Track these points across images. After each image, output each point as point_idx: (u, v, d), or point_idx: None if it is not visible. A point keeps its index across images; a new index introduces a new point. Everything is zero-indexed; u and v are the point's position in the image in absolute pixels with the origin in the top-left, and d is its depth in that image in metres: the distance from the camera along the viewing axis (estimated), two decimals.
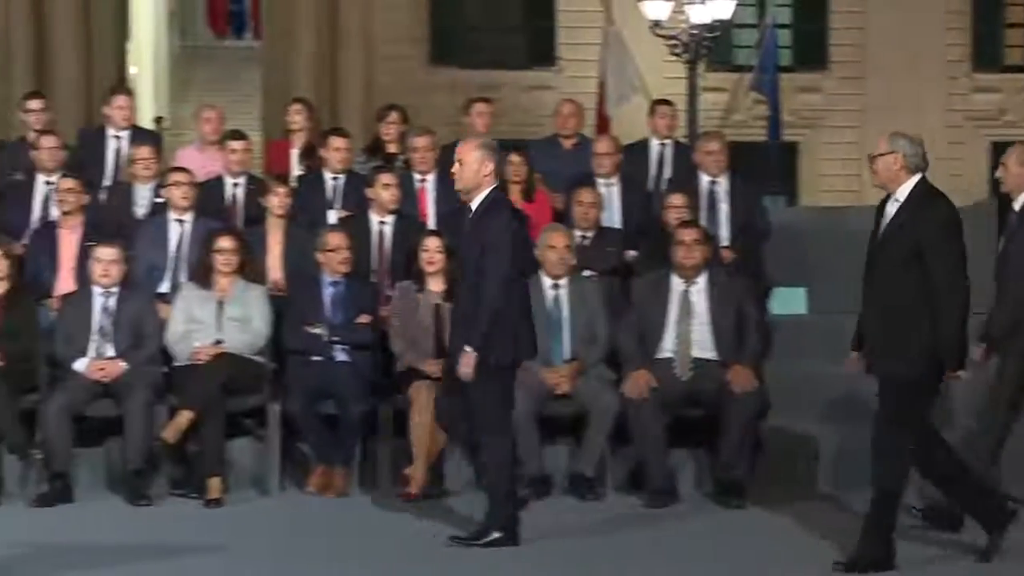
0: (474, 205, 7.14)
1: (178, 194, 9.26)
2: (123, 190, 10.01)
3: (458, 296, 7.35)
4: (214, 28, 31.91)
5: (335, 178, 10.04)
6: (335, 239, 8.82)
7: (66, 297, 8.81)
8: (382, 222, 9.37)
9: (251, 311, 8.64)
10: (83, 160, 10.34)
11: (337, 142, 10.11)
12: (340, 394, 8.39)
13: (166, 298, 8.94)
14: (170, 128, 22.30)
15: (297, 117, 10.86)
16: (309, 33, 18.40)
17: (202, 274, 8.72)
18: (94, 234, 9.06)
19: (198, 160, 10.38)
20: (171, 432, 8.15)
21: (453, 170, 7.25)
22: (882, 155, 6.62)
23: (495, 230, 7.01)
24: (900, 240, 6.54)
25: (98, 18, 18.31)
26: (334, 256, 8.74)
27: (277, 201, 9.36)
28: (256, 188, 9.84)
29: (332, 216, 9.81)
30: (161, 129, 18.09)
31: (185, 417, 8.16)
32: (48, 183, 9.76)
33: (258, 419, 8.59)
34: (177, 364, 8.57)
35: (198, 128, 10.94)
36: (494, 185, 7.15)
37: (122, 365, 8.38)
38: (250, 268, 8.82)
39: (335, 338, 8.63)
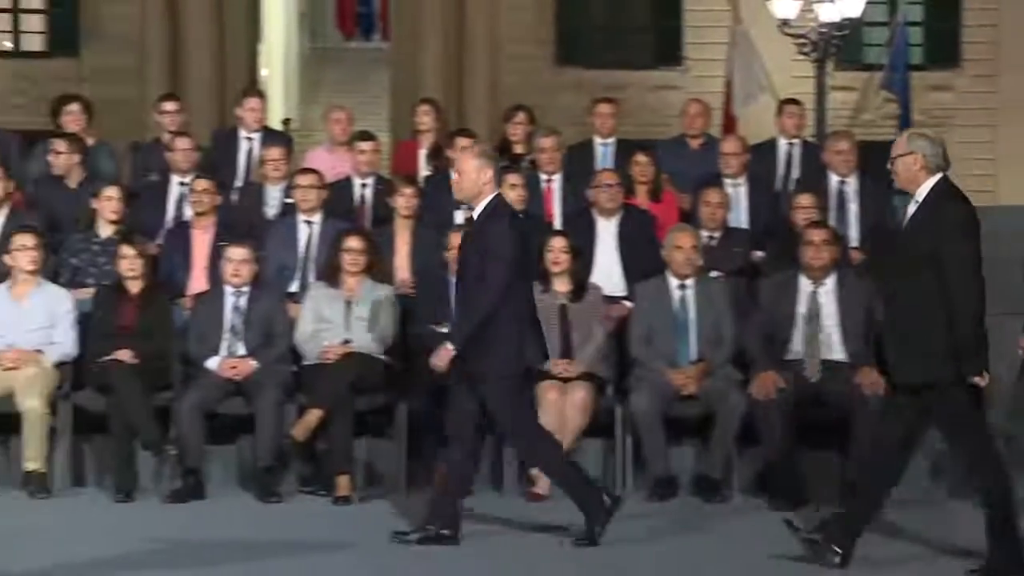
0: (476, 213, 7.18)
1: (305, 196, 9.36)
2: (254, 191, 10.15)
3: (460, 303, 7.34)
4: (343, 30, 32.23)
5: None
6: (453, 239, 8.85)
7: (198, 296, 8.95)
8: None
9: (379, 311, 8.70)
10: (216, 161, 10.50)
11: (463, 142, 10.15)
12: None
13: (295, 298, 9.04)
14: (299, 129, 22.58)
15: (425, 118, 10.93)
16: (436, 34, 18.52)
17: (330, 274, 8.81)
18: (226, 234, 9.20)
19: (327, 161, 10.50)
20: (300, 430, 8.25)
21: (453, 179, 7.32)
22: (901, 156, 6.52)
23: (495, 237, 7.03)
24: (917, 241, 6.45)
25: (231, 21, 18.61)
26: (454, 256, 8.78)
27: (403, 201, 9.43)
28: (384, 188, 9.92)
29: (459, 216, 9.86)
30: (289, 130, 18.30)
31: (314, 415, 8.25)
32: (182, 184, 9.93)
33: (385, 418, 8.65)
34: (306, 363, 8.66)
35: (327, 129, 11.07)
36: (495, 192, 7.18)
37: (253, 364, 8.49)
38: (378, 268, 8.89)
39: None
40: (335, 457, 8.26)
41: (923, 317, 6.39)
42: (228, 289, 8.69)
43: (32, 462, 8.20)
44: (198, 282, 9.23)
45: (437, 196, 9.94)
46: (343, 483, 8.18)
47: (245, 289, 8.68)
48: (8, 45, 18.97)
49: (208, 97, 17.70)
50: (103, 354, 8.49)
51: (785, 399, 8.11)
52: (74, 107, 10.72)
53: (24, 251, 8.60)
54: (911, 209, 6.53)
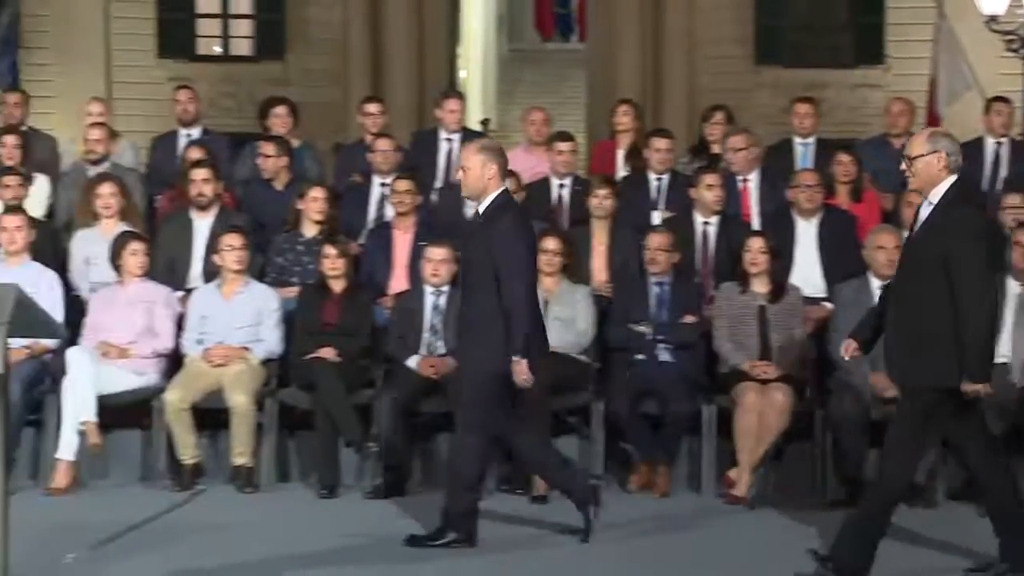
0: (481, 208, 7.09)
1: None
2: (454, 191, 10.24)
3: (461, 299, 7.28)
4: (541, 31, 32.37)
5: (659, 179, 10.08)
6: (659, 240, 8.85)
7: (399, 296, 9.08)
8: (706, 223, 9.35)
9: (576, 311, 8.73)
10: (416, 162, 10.64)
11: (659, 142, 10.14)
12: (663, 394, 8.41)
13: None
14: (496, 130, 22.75)
15: (624, 118, 10.92)
16: (633, 35, 18.48)
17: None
18: (426, 234, 9.32)
19: (525, 161, 10.56)
20: None
21: (458, 176, 7.23)
22: (923, 155, 6.31)
23: (504, 233, 6.93)
24: (928, 243, 6.28)
25: (430, 24, 18.83)
26: (659, 256, 8.77)
27: (596, 202, 9.44)
28: (582, 189, 9.95)
29: (656, 217, 9.85)
30: (487, 131, 18.47)
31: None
32: (383, 185, 10.08)
33: (582, 417, 8.68)
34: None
35: (525, 130, 11.14)
36: (501, 188, 7.08)
37: (452, 362, 8.58)
38: (575, 268, 8.92)
39: (659, 337, 8.66)
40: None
41: (931, 321, 6.26)
42: (428, 289, 8.80)
43: (240, 457, 8.42)
44: (399, 281, 9.37)
45: (634, 196, 9.94)
46: (541, 482, 8.22)
47: (444, 289, 8.78)
48: (217, 50, 19.47)
49: (408, 99, 17.92)
50: (307, 352, 8.68)
51: (991, 404, 7.89)
52: (281, 110, 10.98)
53: (231, 251, 8.83)
54: (924, 211, 6.37)
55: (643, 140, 10.51)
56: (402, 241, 9.49)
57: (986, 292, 6.22)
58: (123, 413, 8.67)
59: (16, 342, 7.63)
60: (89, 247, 9.36)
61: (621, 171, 10.68)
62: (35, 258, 8.97)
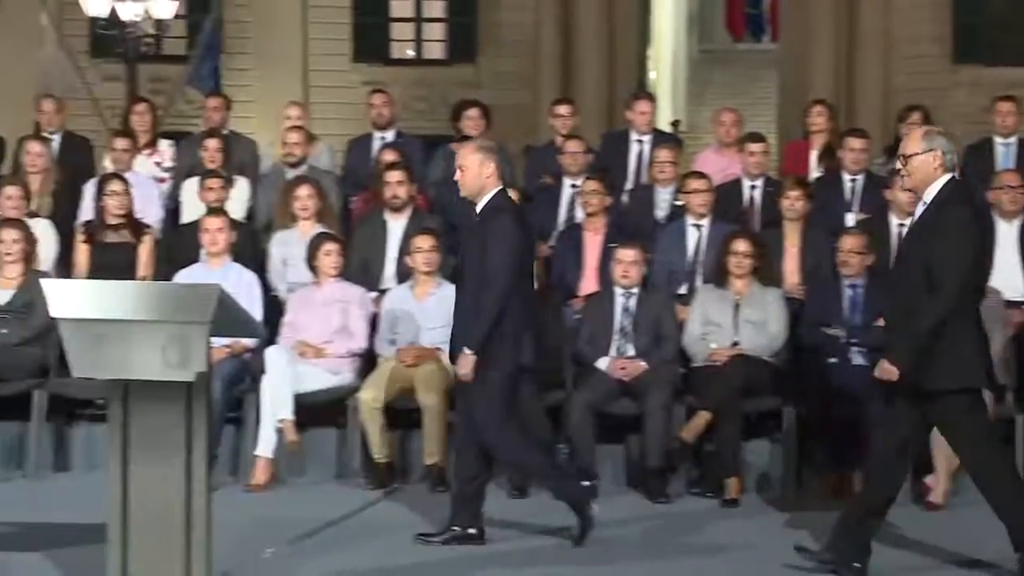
0: (479, 207, 7.02)
1: (696, 201, 9.39)
2: (644, 193, 10.25)
3: (456, 298, 7.21)
4: (732, 32, 32.14)
5: (853, 179, 9.94)
6: (853, 242, 8.72)
7: (589, 297, 9.10)
8: (901, 224, 9.18)
9: (767, 314, 8.65)
10: (607, 163, 10.66)
11: (854, 142, 10.00)
12: (857, 397, 8.28)
13: (684, 300, 9.08)
14: (686, 132, 22.66)
15: (818, 119, 10.79)
16: (827, 34, 18.27)
17: (719, 277, 8.80)
18: (616, 235, 9.32)
19: (716, 163, 10.51)
20: (689, 432, 8.29)
21: (456, 176, 7.16)
22: (919, 154, 6.22)
23: (498, 233, 6.89)
24: (921, 243, 6.20)
25: (621, 26, 18.86)
26: (853, 259, 8.65)
27: (788, 204, 9.34)
28: (773, 190, 9.85)
29: (850, 218, 9.71)
30: (676, 132, 18.40)
31: (703, 418, 8.27)
32: (573, 186, 10.12)
33: (774, 421, 8.60)
34: (695, 365, 8.69)
35: (715, 131, 11.08)
36: (499, 187, 7.03)
37: (642, 364, 8.57)
38: (766, 271, 8.84)
39: (853, 340, 8.53)
40: (723, 460, 8.26)
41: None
42: (618, 290, 8.80)
43: (432, 456, 8.51)
44: (589, 283, 9.39)
45: (828, 197, 9.81)
46: (732, 486, 8.17)
47: (634, 290, 8.77)
48: (411, 53, 19.75)
49: (598, 100, 17.97)
50: None
51: None
52: (473, 112, 11.08)
53: (421, 253, 8.94)
54: (919, 210, 6.31)
55: (837, 140, 10.38)
56: (592, 242, 9.51)
57: (954, 293, 6.18)
58: (319, 411, 8.83)
59: (217, 341, 7.81)
60: (287, 248, 9.56)
61: (814, 172, 10.55)
62: (236, 259, 9.20)
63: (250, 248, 9.65)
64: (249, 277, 9.12)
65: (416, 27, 19.79)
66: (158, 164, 11.10)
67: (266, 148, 11.80)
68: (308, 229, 9.53)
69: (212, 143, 10.60)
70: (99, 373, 5.69)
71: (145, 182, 10.57)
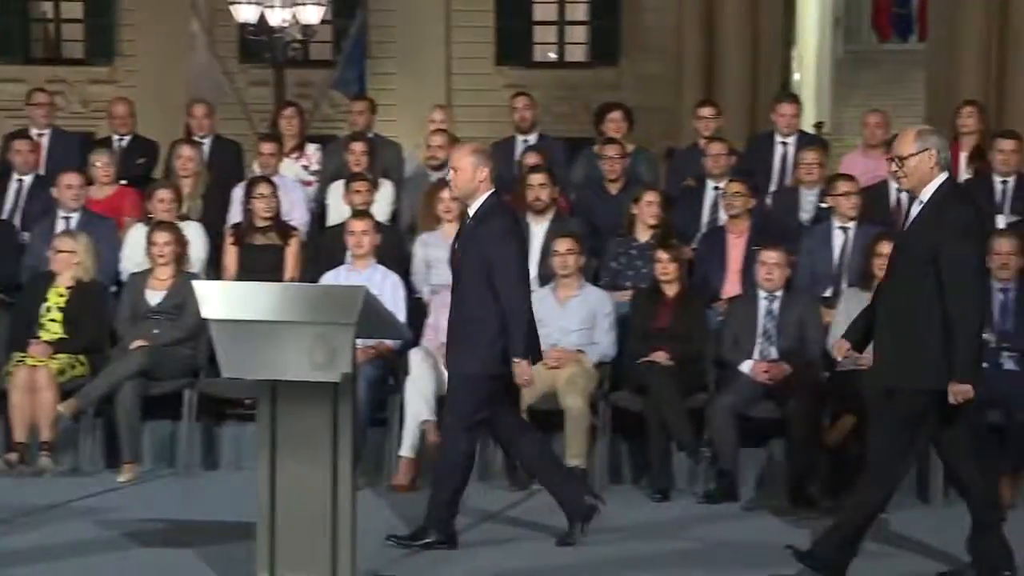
0: (472, 211, 6.99)
1: (845, 204, 9.30)
2: (789, 195, 10.17)
3: (451, 300, 7.14)
4: (878, 32, 31.72)
5: (1004, 181, 9.78)
6: (1005, 244, 8.56)
7: (732, 300, 9.05)
8: None
9: None
10: (750, 165, 10.59)
11: (1005, 144, 9.85)
12: (1008, 403, 8.14)
13: (829, 303, 8.99)
14: (830, 133, 22.41)
15: (969, 120, 10.63)
16: (977, 34, 17.93)
17: (865, 280, 8.69)
18: (760, 238, 9.26)
19: (862, 165, 10.40)
20: (833, 436, 8.20)
21: (449, 177, 7.11)
22: (915, 154, 6.15)
23: (496, 235, 6.87)
24: (918, 242, 6.11)
25: (765, 27, 18.71)
26: (1011, 260, 8.49)
27: None
28: None
29: (1001, 221, 9.53)
30: (820, 134, 18.21)
31: (848, 422, 8.18)
32: (716, 188, 10.07)
33: None
34: (839, 369, 8.59)
35: (862, 132, 10.96)
36: (491, 190, 6.98)
37: (785, 367, 8.51)
38: None
39: (1004, 345, 8.39)
40: (866, 463, 8.13)
41: (919, 321, 6.12)
42: (761, 293, 8.74)
43: (574, 458, 8.51)
44: (732, 286, 9.34)
45: (979, 199, 9.62)
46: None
47: (778, 293, 8.70)
48: (553, 56, 19.80)
49: (741, 102, 17.85)
50: (640, 355, 8.74)
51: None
52: (616, 115, 11.08)
53: (558, 256, 8.95)
54: (915, 209, 6.23)
55: (987, 142, 10.21)
56: (736, 245, 9.46)
57: (977, 292, 6.16)
58: None
59: (362, 342, 7.91)
60: (430, 250, 9.64)
61: (964, 174, 10.38)
62: (380, 261, 9.30)
63: (394, 250, 9.75)
64: (393, 279, 9.22)
65: (559, 30, 19.84)
66: (305, 167, 11.28)
67: (410, 151, 11.91)
68: (451, 231, 9.58)
69: (358, 146, 10.72)
70: (248, 373, 5.80)
71: (292, 185, 10.74)
